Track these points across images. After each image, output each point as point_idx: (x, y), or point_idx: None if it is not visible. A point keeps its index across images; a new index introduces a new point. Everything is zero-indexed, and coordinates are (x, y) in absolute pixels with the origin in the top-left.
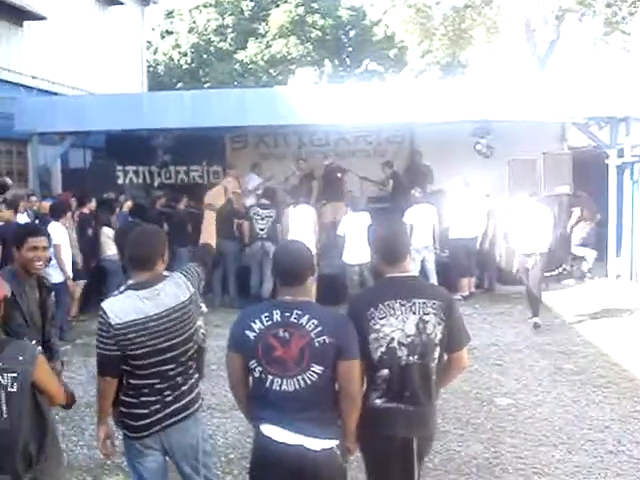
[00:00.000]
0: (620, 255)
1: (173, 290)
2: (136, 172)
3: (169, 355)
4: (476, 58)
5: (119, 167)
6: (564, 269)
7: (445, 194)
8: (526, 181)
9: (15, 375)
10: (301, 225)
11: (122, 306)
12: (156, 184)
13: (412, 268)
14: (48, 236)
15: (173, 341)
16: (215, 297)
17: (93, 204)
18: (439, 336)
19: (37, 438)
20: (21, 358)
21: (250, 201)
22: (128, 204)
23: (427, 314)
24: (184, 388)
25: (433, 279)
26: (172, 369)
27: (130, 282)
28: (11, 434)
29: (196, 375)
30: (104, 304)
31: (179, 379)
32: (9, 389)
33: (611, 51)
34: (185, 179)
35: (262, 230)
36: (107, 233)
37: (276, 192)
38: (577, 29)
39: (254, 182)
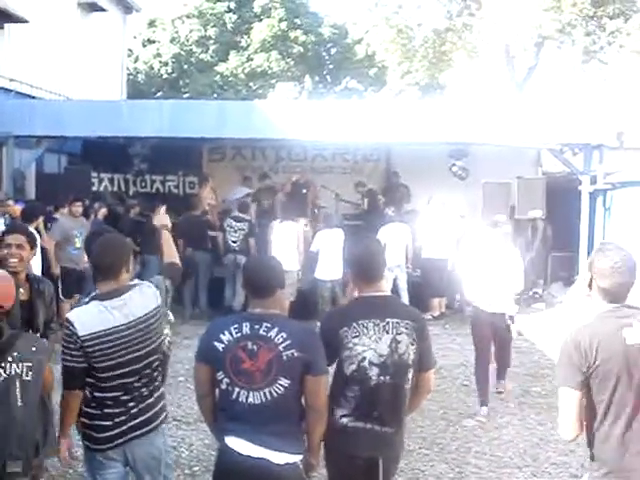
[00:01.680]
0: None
1: (140, 300)
2: (111, 180)
3: (135, 367)
4: (455, 81)
5: (94, 174)
6: (535, 293)
7: (419, 214)
8: (500, 204)
9: (30, 365)
10: (285, 241)
11: (88, 317)
12: (131, 192)
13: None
14: (29, 235)
15: (139, 352)
16: (185, 309)
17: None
18: (412, 357)
19: (42, 425)
20: (34, 349)
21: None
22: (103, 211)
23: (400, 334)
24: (150, 400)
25: (405, 298)
26: (137, 380)
27: (96, 292)
28: (25, 422)
29: (162, 388)
30: (70, 315)
31: (144, 390)
32: (24, 377)
33: (588, 79)
34: (161, 188)
35: (234, 242)
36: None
37: (250, 206)
38: (556, 56)
39: (241, 194)
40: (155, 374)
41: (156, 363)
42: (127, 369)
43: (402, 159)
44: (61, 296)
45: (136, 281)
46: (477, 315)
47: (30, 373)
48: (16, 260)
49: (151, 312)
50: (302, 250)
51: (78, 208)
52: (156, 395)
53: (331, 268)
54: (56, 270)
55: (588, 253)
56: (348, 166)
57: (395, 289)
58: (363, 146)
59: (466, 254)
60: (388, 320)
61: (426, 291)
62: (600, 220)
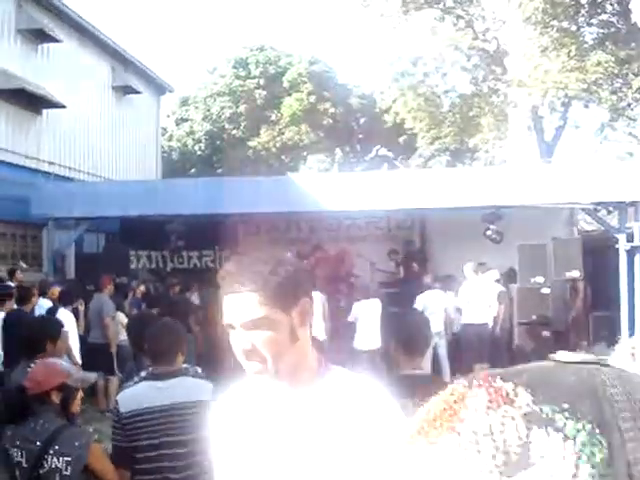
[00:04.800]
0: (633, 341)
1: (189, 388)
2: (149, 257)
3: (170, 452)
4: (484, 144)
5: (132, 252)
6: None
7: (456, 279)
8: (536, 266)
9: (69, 459)
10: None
11: (133, 396)
12: (168, 269)
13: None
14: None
15: (174, 438)
16: None
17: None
18: None
19: None
20: (77, 443)
21: None
22: (141, 289)
23: None
24: None
25: (445, 365)
26: (173, 469)
27: (148, 371)
28: None
29: None
30: (119, 396)
31: None
32: (64, 472)
33: (618, 136)
34: (197, 264)
35: None
36: (120, 319)
37: None
38: (583, 115)
39: None
40: (196, 472)
41: (195, 457)
42: (163, 451)
43: (436, 225)
44: (117, 372)
45: (189, 368)
46: None
47: (69, 468)
48: None
49: (192, 403)
50: (328, 319)
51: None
52: None
53: (369, 338)
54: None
55: (629, 312)
56: (382, 234)
57: (435, 356)
58: (396, 214)
59: None
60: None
61: (468, 358)
62: (639, 277)
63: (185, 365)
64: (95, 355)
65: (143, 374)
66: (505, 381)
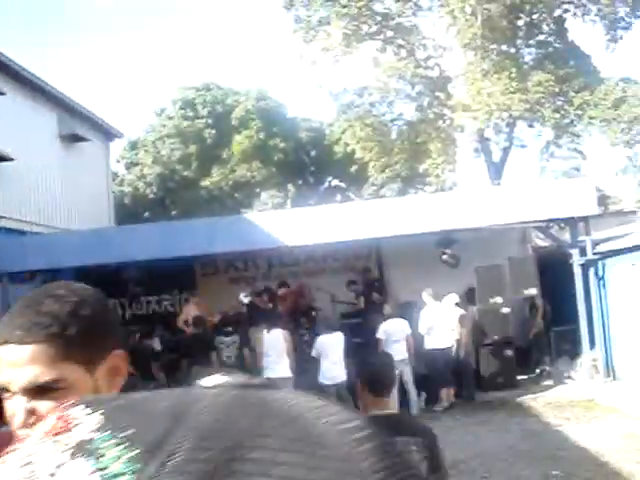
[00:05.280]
0: (594, 353)
1: None
2: None
3: None
4: (435, 169)
5: None
6: (543, 370)
7: (415, 306)
8: (494, 287)
9: None
10: (276, 350)
11: None
12: (127, 316)
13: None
14: None
15: None
16: None
17: None
18: (424, 474)
19: None
20: None
21: None
22: None
23: (409, 452)
24: None
25: (412, 392)
26: None
27: None
28: None
29: None
30: None
31: None
32: None
33: (563, 153)
34: (157, 309)
35: (229, 358)
36: None
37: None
38: (528, 135)
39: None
40: None
41: None
42: None
43: (393, 253)
44: None
45: None
46: None
47: None
48: None
49: None
50: (292, 355)
51: None
52: None
53: (334, 372)
54: None
55: (588, 325)
56: (340, 266)
57: (401, 384)
58: (352, 245)
59: None
60: (397, 439)
61: (434, 383)
62: (595, 290)
63: None
64: None
65: None
66: (88, 406)
